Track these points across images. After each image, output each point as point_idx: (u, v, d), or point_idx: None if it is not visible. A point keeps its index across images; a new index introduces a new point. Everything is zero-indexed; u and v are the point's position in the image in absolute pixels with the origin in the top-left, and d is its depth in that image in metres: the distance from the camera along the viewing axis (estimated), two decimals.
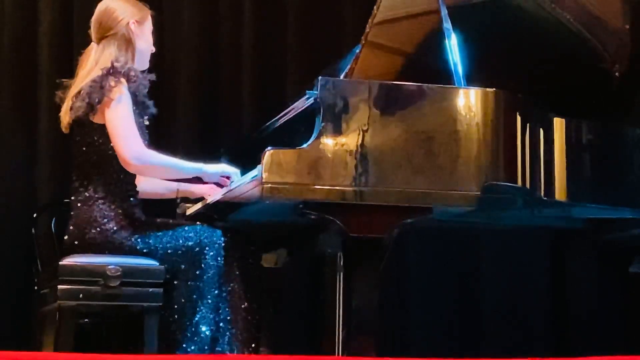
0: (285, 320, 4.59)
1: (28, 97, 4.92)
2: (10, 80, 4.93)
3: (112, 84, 3.88)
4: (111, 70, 3.91)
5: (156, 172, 4.04)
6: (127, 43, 4.03)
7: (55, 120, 4.82)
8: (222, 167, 4.07)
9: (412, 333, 5.11)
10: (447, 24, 3.95)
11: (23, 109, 4.92)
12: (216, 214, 4.15)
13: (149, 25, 4.12)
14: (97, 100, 3.88)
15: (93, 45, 4.07)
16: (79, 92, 3.95)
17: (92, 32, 4.08)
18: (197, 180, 4.15)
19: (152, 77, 4.05)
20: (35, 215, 4.49)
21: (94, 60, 4.01)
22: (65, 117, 4.02)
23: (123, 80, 3.90)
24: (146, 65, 4.10)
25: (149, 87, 4.01)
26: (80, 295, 3.79)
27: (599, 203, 4.08)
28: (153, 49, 4.14)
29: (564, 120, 3.99)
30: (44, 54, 4.95)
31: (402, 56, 4.35)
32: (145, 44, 4.09)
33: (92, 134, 3.94)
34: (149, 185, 4.18)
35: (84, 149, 3.97)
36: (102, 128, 3.92)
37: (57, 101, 4.08)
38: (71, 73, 4.76)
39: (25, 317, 4.67)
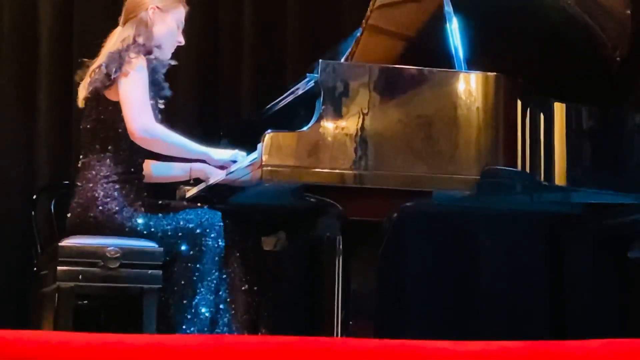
0: (284, 302, 4.60)
1: (28, 79, 4.91)
2: (10, 61, 4.92)
3: (132, 55, 3.90)
4: (132, 45, 3.94)
5: (162, 147, 4.01)
6: (144, 26, 4.04)
7: (55, 101, 4.85)
8: (230, 153, 4.06)
9: (410, 316, 5.12)
10: (449, 8, 3.95)
11: (23, 91, 4.92)
12: (216, 196, 4.15)
13: (175, 16, 4.12)
14: (114, 70, 3.89)
15: (118, 28, 4.10)
16: (99, 66, 3.97)
17: (122, 15, 4.12)
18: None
19: (173, 62, 4.09)
20: (34, 196, 4.50)
21: (114, 41, 4.04)
22: (83, 91, 4.04)
23: (142, 56, 3.92)
24: (166, 56, 4.11)
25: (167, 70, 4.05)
26: (80, 277, 3.79)
27: (599, 188, 4.08)
28: (181, 42, 4.15)
29: (564, 105, 3.99)
30: (44, 35, 4.93)
31: (403, 40, 4.34)
32: (165, 31, 4.08)
33: (104, 111, 3.96)
34: (162, 170, 4.19)
35: (95, 125, 3.98)
36: (115, 105, 3.93)
37: (77, 80, 4.11)
38: (71, 54, 4.79)
39: (24, 298, 4.68)
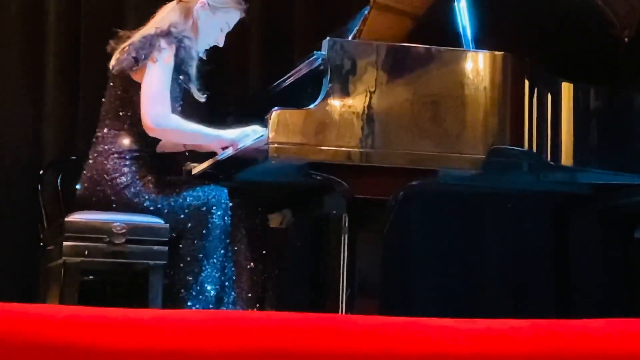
0: (289, 280, 4.60)
1: (35, 54, 4.91)
2: (17, 36, 4.91)
3: (163, 45, 3.91)
4: (166, 33, 3.94)
5: (175, 136, 4.05)
6: (187, 16, 4.05)
7: (62, 78, 4.85)
8: (240, 131, 4.05)
9: (415, 294, 5.13)
10: None
11: (30, 66, 4.91)
12: (222, 173, 4.15)
13: (223, 18, 4.13)
14: (143, 56, 3.91)
15: (170, 4, 4.13)
16: (130, 45, 3.98)
17: None
18: None
19: (203, 56, 4.12)
20: (41, 172, 4.51)
21: (150, 25, 4.07)
22: (112, 62, 4.06)
23: (174, 46, 3.92)
24: (201, 49, 4.14)
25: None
26: (86, 252, 3.80)
27: (605, 168, 4.08)
28: (219, 43, 4.16)
29: (571, 85, 3.98)
30: (51, 10, 4.92)
31: (411, 18, 4.33)
32: (204, 29, 4.09)
33: (127, 90, 3.98)
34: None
35: (116, 101, 4.01)
36: (139, 86, 3.94)
37: (109, 50, 4.13)
38: (79, 30, 4.77)
39: (30, 273, 4.69)
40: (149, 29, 4.04)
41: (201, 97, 4.09)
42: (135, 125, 3.98)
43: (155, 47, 3.91)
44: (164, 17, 4.08)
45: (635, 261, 5.06)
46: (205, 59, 4.20)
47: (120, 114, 4.00)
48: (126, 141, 3.98)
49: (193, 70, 4.05)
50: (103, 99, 4.11)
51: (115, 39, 4.14)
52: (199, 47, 4.12)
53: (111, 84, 4.06)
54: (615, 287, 5.18)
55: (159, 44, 3.92)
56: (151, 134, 3.96)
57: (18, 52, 4.91)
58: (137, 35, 4.03)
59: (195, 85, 4.07)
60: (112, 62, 4.09)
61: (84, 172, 4.00)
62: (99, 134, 4.04)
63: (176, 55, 3.94)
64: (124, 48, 4.03)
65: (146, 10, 4.35)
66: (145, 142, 4.02)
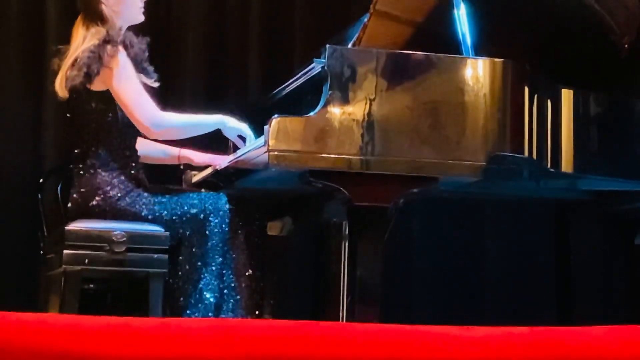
0: (289, 287, 4.61)
1: (35, 62, 4.91)
2: (17, 45, 4.92)
3: (110, 52, 3.85)
4: (107, 39, 3.88)
5: (176, 133, 4.01)
6: (104, 15, 3.95)
7: None
8: (242, 126, 4.05)
9: (416, 301, 5.13)
10: None
11: (30, 74, 4.91)
12: (222, 181, 4.15)
13: None
14: (95, 71, 3.85)
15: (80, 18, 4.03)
16: (75, 60, 3.92)
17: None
18: (203, 147, 4.15)
19: (147, 40, 4.04)
20: (41, 180, 4.50)
21: (84, 35, 3.96)
22: (60, 89, 3.98)
23: (120, 48, 3.88)
24: (138, 18, 4.04)
25: (150, 52, 4.02)
26: (86, 261, 3.80)
27: (606, 175, 4.08)
28: None
29: (571, 91, 3.98)
30: (51, 18, 4.93)
31: (411, 26, 4.33)
32: (125, 11, 3.99)
33: (90, 101, 3.92)
34: (149, 150, 4.16)
35: (83, 117, 3.96)
36: (100, 95, 3.90)
37: (55, 68, 4.04)
38: None
39: (31, 282, 4.69)
40: (90, 39, 3.92)
41: (154, 83, 4.03)
42: (110, 133, 3.92)
43: (105, 58, 3.85)
44: (85, 32, 3.96)
45: (635, 267, 5.06)
46: (149, 39, 4.09)
47: (92, 126, 3.93)
48: (106, 152, 3.92)
49: (147, 63, 4.02)
50: (68, 115, 4.05)
51: (57, 56, 4.04)
52: (136, 18, 4.03)
53: (69, 104, 3.99)
54: (617, 293, 5.18)
55: (106, 53, 3.85)
56: (153, 137, 3.94)
57: (18, 59, 4.92)
58: (80, 51, 3.92)
59: (151, 75, 4.03)
60: (60, 83, 3.97)
61: (73, 189, 3.95)
62: (77, 152, 3.97)
63: (128, 55, 3.91)
64: (71, 65, 3.94)
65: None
66: (125, 147, 3.94)
